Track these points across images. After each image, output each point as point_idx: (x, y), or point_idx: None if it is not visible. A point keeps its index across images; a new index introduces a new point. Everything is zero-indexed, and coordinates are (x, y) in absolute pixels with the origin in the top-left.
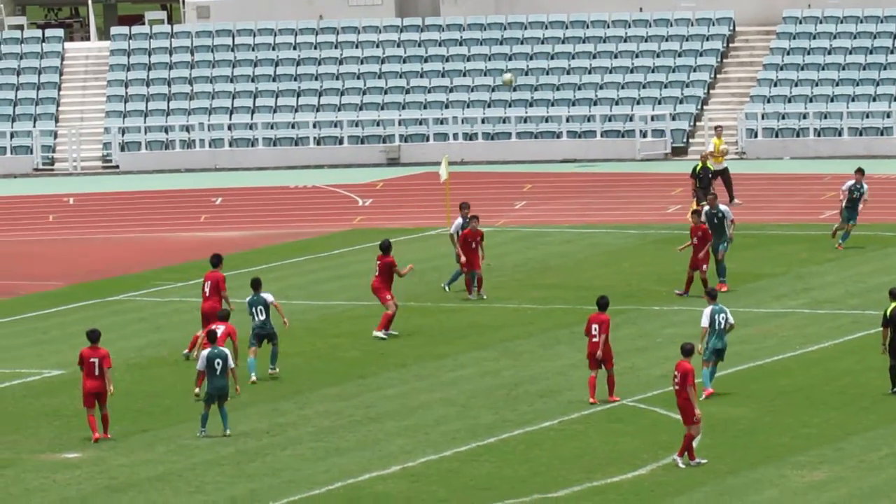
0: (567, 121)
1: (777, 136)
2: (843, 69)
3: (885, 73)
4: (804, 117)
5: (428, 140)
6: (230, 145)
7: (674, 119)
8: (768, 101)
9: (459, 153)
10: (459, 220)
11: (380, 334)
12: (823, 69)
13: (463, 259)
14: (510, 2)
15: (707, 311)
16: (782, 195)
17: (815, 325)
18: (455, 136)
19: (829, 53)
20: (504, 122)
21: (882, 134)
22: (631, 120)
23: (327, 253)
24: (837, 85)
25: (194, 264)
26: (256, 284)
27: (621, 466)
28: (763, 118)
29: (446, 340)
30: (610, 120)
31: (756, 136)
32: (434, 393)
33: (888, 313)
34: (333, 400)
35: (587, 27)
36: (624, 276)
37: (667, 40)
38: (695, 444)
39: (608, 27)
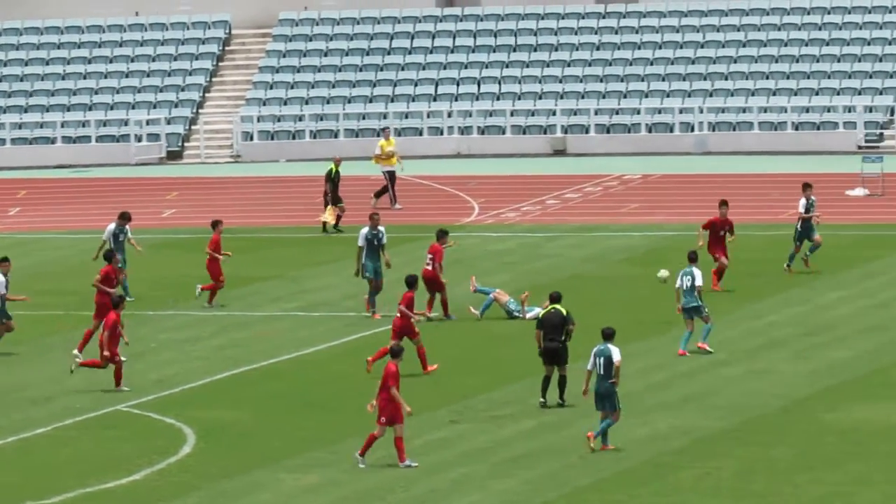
0: (62, 126)
1: (273, 138)
2: (340, 71)
3: (361, 75)
4: (300, 119)
5: None
6: None
7: (169, 123)
8: (264, 104)
9: None
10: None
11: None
12: (320, 71)
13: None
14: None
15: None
16: (278, 198)
17: (309, 328)
18: None
19: (326, 55)
20: None
21: (362, 135)
22: (126, 125)
23: None
24: (334, 87)
25: None
26: None
27: (116, 472)
28: (259, 121)
29: None
30: (105, 125)
31: (252, 139)
32: None
33: (542, 317)
34: None
35: (83, 32)
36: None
37: (162, 44)
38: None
39: (104, 32)
